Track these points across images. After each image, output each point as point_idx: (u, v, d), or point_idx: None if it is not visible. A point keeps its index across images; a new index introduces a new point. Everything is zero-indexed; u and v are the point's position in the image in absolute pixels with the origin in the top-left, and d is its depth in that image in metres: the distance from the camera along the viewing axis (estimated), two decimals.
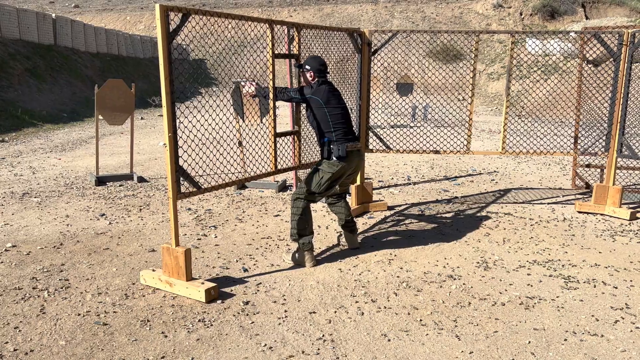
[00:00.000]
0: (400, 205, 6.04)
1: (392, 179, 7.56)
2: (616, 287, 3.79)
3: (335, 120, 4.08)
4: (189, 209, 5.75)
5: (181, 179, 3.58)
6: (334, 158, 4.06)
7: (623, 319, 3.33)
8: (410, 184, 7.22)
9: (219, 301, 3.50)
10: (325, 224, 5.27)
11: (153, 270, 3.79)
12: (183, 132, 3.42)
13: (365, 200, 5.77)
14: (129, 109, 7.03)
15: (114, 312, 3.34)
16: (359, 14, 29.35)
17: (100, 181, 6.96)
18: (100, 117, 6.96)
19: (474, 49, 5.58)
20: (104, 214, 5.51)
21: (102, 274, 3.94)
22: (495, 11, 26.94)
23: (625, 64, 5.37)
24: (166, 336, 3.05)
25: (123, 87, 6.98)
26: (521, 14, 25.86)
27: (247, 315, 3.33)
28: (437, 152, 5.76)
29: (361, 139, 5.64)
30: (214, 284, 3.57)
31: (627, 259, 4.35)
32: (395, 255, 4.42)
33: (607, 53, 5.54)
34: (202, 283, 3.58)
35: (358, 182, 5.71)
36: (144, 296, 3.57)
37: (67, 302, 3.48)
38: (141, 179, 7.17)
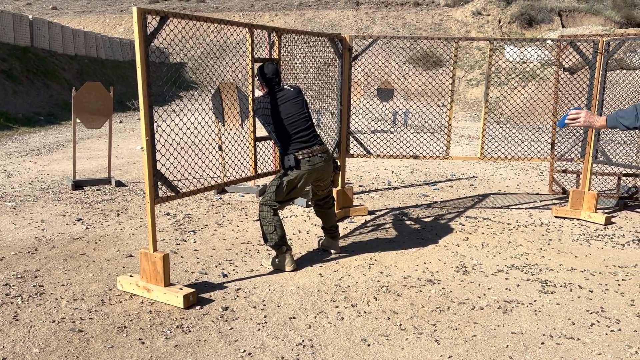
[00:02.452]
0: (380, 210, 6.06)
1: (373, 183, 7.59)
2: (592, 291, 3.85)
3: (284, 131, 4.02)
4: (168, 213, 5.69)
5: (159, 183, 3.54)
6: (284, 168, 4.06)
7: (598, 322, 3.38)
8: (390, 188, 7.25)
9: (197, 307, 3.46)
10: (306, 228, 5.26)
11: (130, 276, 3.73)
12: (161, 135, 3.38)
13: (346, 204, 5.77)
14: (107, 112, 6.93)
15: (90, 318, 3.28)
16: (340, 19, 29.48)
17: (77, 185, 6.85)
18: (77, 120, 6.86)
19: (453, 55, 5.64)
20: (80, 219, 5.42)
21: (78, 280, 3.87)
22: (474, 18, 27.31)
23: (600, 72, 5.48)
24: (143, 343, 3.00)
25: (101, 90, 6.88)
26: (500, 22, 26.27)
27: (226, 321, 3.29)
28: (416, 157, 5.80)
29: (342, 144, 5.65)
30: (192, 290, 3.53)
31: (602, 263, 4.43)
32: (375, 260, 4.42)
33: (582, 61, 5.65)
34: (181, 289, 3.54)
35: (339, 187, 5.72)
36: (121, 302, 3.52)
37: (41, 308, 3.40)
38: (119, 183, 7.07)
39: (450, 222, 5.57)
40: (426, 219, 5.66)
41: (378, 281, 3.99)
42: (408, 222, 5.55)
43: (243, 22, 4.15)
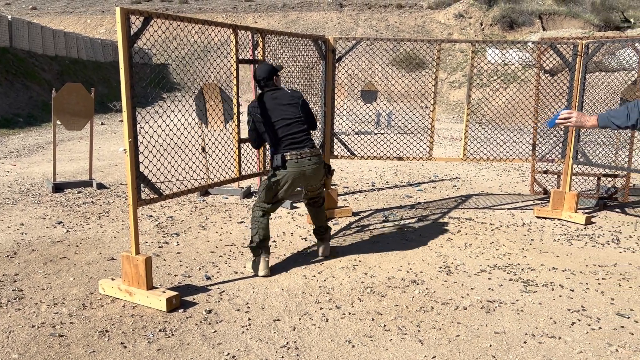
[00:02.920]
0: (364, 211, 6.07)
1: (357, 185, 7.60)
2: (573, 290, 3.90)
3: (275, 131, 4.04)
4: (150, 216, 5.63)
5: (142, 185, 3.50)
6: (272, 168, 4.09)
7: (579, 320, 3.42)
8: (374, 189, 7.28)
9: (180, 310, 3.43)
10: (290, 230, 5.25)
11: (112, 279, 3.68)
12: (144, 137, 3.35)
13: (330, 206, 5.77)
14: (88, 113, 6.85)
15: (71, 323, 3.23)
16: (324, 21, 29.53)
17: (58, 188, 6.75)
18: (58, 122, 6.76)
19: (435, 57, 5.69)
20: (61, 222, 5.34)
21: (59, 284, 3.81)
22: (456, 21, 27.56)
23: (580, 74, 5.57)
24: (125, 347, 2.96)
25: (82, 91, 6.80)
26: (481, 24, 26.54)
27: (210, 324, 3.27)
28: (400, 158, 5.83)
29: (326, 146, 5.65)
30: (175, 293, 3.49)
31: (583, 262, 4.49)
32: (359, 261, 4.43)
33: (562, 63, 5.74)
34: (164, 292, 3.50)
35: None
36: (102, 306, 3.47)
37: (20, 313, 3.34)
38: (101, 186, 6.99)
39: (434, 223, 5.60)
40: (410, 220, 5.69)
41: (362, 282, 3.99)
42: (392, 223, 5.57)
43: (227, 23, 4.13)
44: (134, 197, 3.41)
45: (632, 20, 25.29)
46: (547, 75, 6.51)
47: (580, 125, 2.98)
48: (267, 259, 4.06)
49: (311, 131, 4.31)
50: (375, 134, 8.84)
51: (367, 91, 14.21)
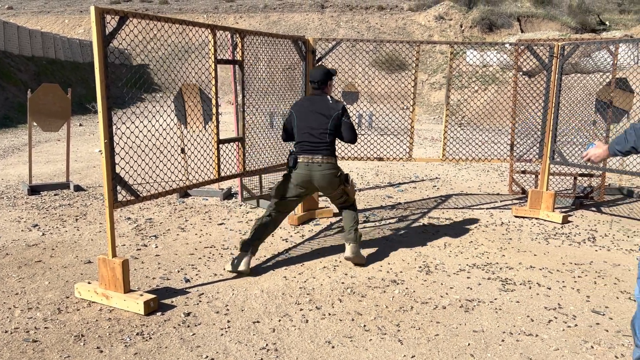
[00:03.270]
0: None
1: None
2: (550, 288, 3.96)
3: (298, 131, 4.24)
4: (129, 218, 5.56)
5: (118, 187, 3.45)
6: (287, 167, 4.29)
7: (556, 318, 3.47)
8: (355, 190, 7.29)
9: (158, 313, 3.39)
10: None
11: (89, 283, 3.63)
12: (120, 138, 3.30)
13: (311, 207, 5.77)
14: (65, 114, 6.74)
15: (45, 327, 3.17)
16: (305, 22, 29.52)
17: (34, 190, 6.62)
18: (34, 123, 6.64)
19: (415, 58, 5.72)
20: (36, 225, 5.24)
21: (33, 288, 3.73)
22: (437, 23, 27.79)
23: (556, 75, 5.65)
24: (102, 351, 2.92)
25: (58, 92, 6.69)
26: (461, 26, 26.81)
27: (188, 326, 3.24)
28: (380, 159, 5.85)
29: None
30: (153, 296, 3.45)
31: (560, 260, 4.56)
32: (340, 262, 4.43)
33: (540, 65, 5.81)
34: (141, 295, 3.45)
35: None
36: (78, 310, 3.41)
37: None
38: (78, 188, 6.88)
39: (414, 223, 5.63)
40: (390, 220, 5.71)
41: (343, 283, 3.99)
42: (372, 223, 5.59)
43: (205, 23, 4.10)
44: (110, 199, 3.36)
45: (607, 23, 25.80)
46: (525, 76, 6.59)
47: (598, 157, 2.97)
48: (249, 258, 4.07)
49: (348, 143, 4.41)
50: (357, 135, 8.89)
51: (348, 92, 14.24)
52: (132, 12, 3.44)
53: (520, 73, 6.44)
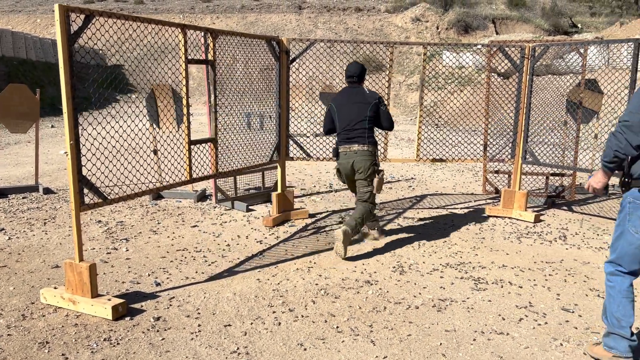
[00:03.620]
0: (321, 213, 6.05)
1: (315, 186, 7.59)
2: (521, 287, 3.99)
3: (340, 124, 4.66)
4: (100, 221, 5.45)
5: (85, 189, 3.37)
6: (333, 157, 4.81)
7: (527, 316, 3.50)
8: (332, 191, 7.28)
9: (127, 318, 3.32)
10: (246, 233, 5.18)
11: (55, 288, 3.53)
12: (87, 139, 3.23)
13: (287, 208, 5.73)
14: (34, 116, 6.58)
15: (9, 335, 3.07)
16: (283, 23, 29.45)
17: (1, 193, 6.45)
18: (1, 124, 6.46)
19: (389, 59, 5.73)
20: (2, 229, 5.10)
21: None
22: (413, 25, 28.00)
23: (527, 76, 5.72)
24: (67, 358, 2.84)
25: (26, 92, 6.52)
26: (438, 28, 27.06)
27: (158, 331, 3.17)
28: None
29: (282, 147, 5.61)
30: (122, 300, 3.38)
31: (531, 259, 4.61)
32: (314, 263, 4.41)
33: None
34: (109, 299, 3.38)
35: (279, 190, 5.68)
36: (43, 316, 3.32)
37: None
38: (48, 191, 6.72)
39: (389, 223, 5.64)
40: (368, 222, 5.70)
41: (317, 284, 3.97)
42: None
43: (175, 22, 4.04)
44: (77, 201, 3.28)
45: (579, 25, 26.32)
46: (500, 77, 6.66)
47: (598, 183, 2.93)
48: (378, 226, 5.01)
49: (386, 130, 4.91)
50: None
51: (326, 93, 14.25)
52: (98, 10, 3.37)
53: (496, 74, 6.51)
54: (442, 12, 27.63)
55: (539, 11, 28.65)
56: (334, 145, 4.73)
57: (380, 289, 3.91)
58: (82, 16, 3.31)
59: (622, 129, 2.68)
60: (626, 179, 2.74)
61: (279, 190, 5.68)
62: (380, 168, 4.73)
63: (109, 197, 3.55)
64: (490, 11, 28.12)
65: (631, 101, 2.72)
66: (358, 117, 4.57)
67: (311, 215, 5.90)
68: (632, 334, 2.85)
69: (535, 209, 6.23)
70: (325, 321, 3.38)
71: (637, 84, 5.43)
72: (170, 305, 3.53)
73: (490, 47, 6.02)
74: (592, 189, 2.96)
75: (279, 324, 3.33)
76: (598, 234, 5.35)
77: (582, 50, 5.99)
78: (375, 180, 4.60)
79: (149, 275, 4.05)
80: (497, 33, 25.66)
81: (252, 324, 3.32)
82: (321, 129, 5.42)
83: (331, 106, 4.73)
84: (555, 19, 26.52)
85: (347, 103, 4.62)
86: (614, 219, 5.91)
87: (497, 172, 6.74)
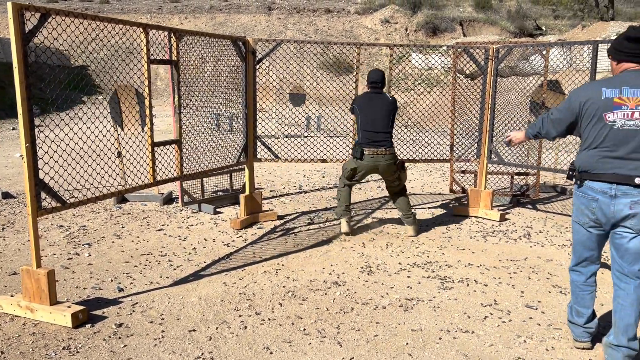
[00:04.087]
0: (290, 214, 6.02)
1: (284, 188, 7.55)
2: (486, 285, 4.04)
3: (363, 127, 4.94)
4: (61, 226, 5.29)
5: (43, 193, 3.26)
6: (353, 156, 5.03)
7: (491, 314, 3.54)
8: (301, 192, 7.25)
9: (88, 325, 3.23)
10: (212, 236, 5.11)
11: (11, 296, 3.41)
12: (49, 142, 3.12)
13: (255, 210, 5.68)
14: None
15: None
16: (252, 24, 29.29)
17: None
18: None
19: (356, 60, 5.75)
20: None
21: None
22: (383, 26, 28.22)
23: (492, 77, 5.81)
24: None
25: None
26: (406, 30, 27.33)
27: (120, 338, 3.09)
28: (324, 160, 5.84)
29: (249, 148, 5.56)
30: (82, 307, 3.28)
31: (497, 257, 4.67)
32: (282, 265, 4.38)
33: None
34: (69, 306, 3.28)
35: (247, 192, 5.62)
36: None
37: None
38: (7, 195, 6.49)
39: (358, 224, 5.65)
40: (335, 222, 5.70)
41: (284, 286, 3.94)
42: (317, 225, 5.56)
43: (137, 22, 3.96)
44: (33, 206, 3.17)
45: (543, 28, 26.97)
46: (467, 79, 6.74)
47: (518, 140, 3.56)
48: (348, 220, 5.14)
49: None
50: (305, 137, 8.88)
51: (295, 94, 14.20)
52: (54, 9, 3.27)
53: (463, 76, 6.59)
54: (410, 14, 27.93)
55: (504, 14, 29.23)
56: (356, 146, 4.96)
57: (348, 290, 3.90)
58: (38, 15, 3.21)
59: (548, 120, 3.10)
60: (571, 172, 2.96)
61: (247, 192, 5.63)
62: (401, 160, 5.16)
63: (68, 201, 3.45)
64: (457, 13, 28.56)
65: (564, 99, 3.03)
66: (382, 122, 4.93)
67: (280, 217, 5.87)
68: (589, 321, 3.04)
69: (501, 208, 6.33)
70: (293, 324, 3.35)
71: None
72: (133, 311, 3.45)
73: (455, 49, 6.10)
74: (510, 140, 3.58)
75: (245, 327, 3.28)
76: (561, 232, 5.47)
77: (544, 52, 6.12)
78: (402, 173, 5.14)
79: (111, 280, 3.95)
80: (464, 35, 26.07)
81: (217, 328, 3.26)
82: (291, 131, 5.53)
83: (354, 108, 5.06)
84: (520, 21, 27.10)
85: (372, 107, 4.95)
86: None
87: (463, 172, 6.83)
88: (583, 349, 3.07)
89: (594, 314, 3.06)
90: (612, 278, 2.87)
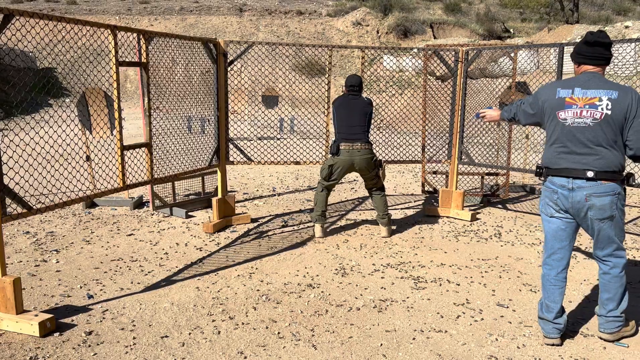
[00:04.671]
0: (264, 217, 5.99)
1: (258, 190, 7.51)
2: (459, 284, 4.10)
3: (339, 124, 5.07)
4: (28, 232, 5.15)
5: (7, 199, 3.17)
6: (330, 153, 5.12)
7: (464, 313, 3.59)
8: (275, 195, 7.23)
9: (56, 334, 3.15)
10: (184, 240, 5.05)
11: None
12: (8, 147, 3.04)
13: (228, 213, 5.63)
14: None
15: None
16: (224, 25, 29.09)
17: None
18: None
19: (328, 62, 5.76)
20: None
21: None
22: (354, 28, 28.38)
23: (461, 79, 5.90)
24: None
25: None
26: (378, 32, 27.55)
27: (90, 346, 3.02)
28: (297, 163, 5.83)
29: (221, 151, 5.51)
30: (50, 315, 3.20)
31: (468, 257, 4.74)
32: (256, 269, 4.35)
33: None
34: (36, 315, 3.19)
35: (220, 195, 5.57)
36: None
37: None
38: None
39: (332, 226, 5.65)
40: (309, 224, 5.69)
41: (258, 290, 3.91)
42: (291, 228, 5.55)
43: (105, 24, 3.88)
44: None
45: (511, 30, 27.53)
46: (438, 80, 6.83)
47: (491, 118, 3.81)
48: (322, 225, 5.19)
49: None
50: (278, 139, 8.87)
51: (268, 96, 14.15)
52: (18, 10, 3.18)
53: (434, 78, 6.67)
54: (381, 17, 28.17)
55: (474, 16, 29.74)
56: (334, 144, 5.05)
57: (322, 292, 3.90)
58: (1, 16, 3.12)
59: (520, 109, 3.35)
60: (538, 169, 3.18)
61: (220, 195, 5.58)
62: (379, 159, 5.24)
63: (35, 207, 3.36)
64: (428, 16, 28.93)
65: (534, 92, 3.30)
66: (358, 119, 5.06)
67: (253, 220, 5.83)
68: (557, 317, 3.14)
69: (472, 208, 6.43)
70: (267, 327, 3.33)
71: None
72: (104, 318, 3.38)
73: (426, 51, 6.17)
74: (484, 116, 3.82)
75: (219, 332, 3.25)
76: (530, 231, 5.58)
77: (512, 55, 6.25)
78: (381, 172, 5.20)
79: (80, 287, 3.86)
80: (434, 37, 26.41)
81: (190, 334, 3.22)
82: (264, 133, 5.55)
83: (333, 110, 5.19)
84: (489, 24, 27.60)
85: (348, 107, 5.08)
86: None
87: (435, 172, 6.91)
88: (553, 345, 3.15)
89: (562, 310, 3.16)
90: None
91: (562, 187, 2.99)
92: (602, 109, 2.90)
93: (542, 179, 3.14)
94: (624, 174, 2.98)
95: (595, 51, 2.99)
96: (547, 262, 3.18)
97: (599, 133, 2.90)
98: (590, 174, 2.90)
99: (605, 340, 3.19)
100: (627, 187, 3.09)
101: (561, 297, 3.13)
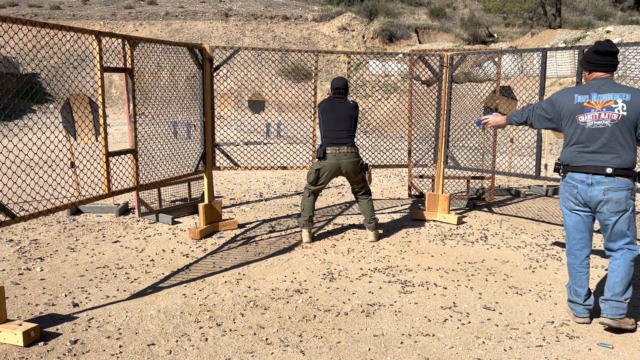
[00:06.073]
0: (251, 223, 5.98)
1: (244, 196, 7.49)
2: (446, 288, 4.12)
3: (325, 128, 5.08)
4: (11, 240, 5.08)
5: None
6: (316, 158, 5.11)
7: (451, 317, 3.61)
8: (262, 200, 7.21)
9: (41, 343, 3.10)
10: (171, 247, 5.01)
11: None
12: (0, 152, 2.99)
13: (214, 219, 5.61)
14: None
15: None
16: (209, 30, 29.03)
17: None
18: None
19: (314, 67, 5.78)
20: None
21: None
22: (340, 33, 28.49)
23: (447, 83, 5.95)
24: None
25: None
26: (363, 37, 27.69)
27: (75, 355, 2.99)
28: (284, 168, 5.83)
29: (207, 156, 5.49)
30: (34, 324, 3.16)
31: (455, 260, 4.77)
32: (243, 274, 4.33)
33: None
34: (20, 324, 3.15)
35: (206, 201, 5.54)
36: None
37: None
38: None
39: (319, 230, 5.66)
40: (296, 229, 5.69)
41: (245, 296, 3.90)
42: (278, 233, 5.54)
43: (89, 29, 3.86)
44: None
45: (495, 35, 27.84)
46: (423, 85, 6.87)
47: (496, 124, 4.07)
48: (309, 231, 5.19)
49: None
50: (265, 144, 8.85)
51: (255, 101, 14.15)
52: (0, 15, 3.15)
53: (419, 82, 6.71)
54: (367, 22, 28.32)
55: (458, 21, 30.03)
56: (320, 147, 5.07)
57: (310, 297, 3.90)
58: None
59: (534, 114, 3.61)
60: (557, 166, 3.50)
61: (206, 201, 5.55)
62: (365, 162, 5.26)
63: (18, 214, 3.32)
64: (413, 21, 29.15)
65: (546, 100, 3.55)
66: (345, 123, 5.09)
67: (240, 226, 5.81)
68: (586, 299, 3.47)
69: (458, 212, 6.47)
70: (254, 334, 3.32)
71: (546, 90, 5.80)
72: (89, 326, 3.34)
73: (411, 56, 6.22)
74: (487, 122, 4.07)
75: (206, 339, 3.23)
76: (516, 234, 5.64)
77: (496, 59, 6.32)
78: (367, 175, 5.22)
79: (65, 295, 3.81)
80: (420, 42, 26.62)
81: (177, 341, 3.20)
82: (250, 138, 5.49)
83: (318, 112, 5.20)
84: (473, 29, 27.88)
85: (334, 111, 5.09)
86: (531, 219, 6.26)
87: (421, 176, 6.95)
88: (584, 323, 3.46)
89: (590, 292, 3.50)
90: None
91: (582, 182, 3.31)
92: (618, 110, 3.22)
93: (561, 174, 3.45)
94: (637, 171, 3.28)
95: (605, 59, 3.31)
96: (570, 252, 3.50)
97: (617, 133, 3.22)
98: (609, 170, 3.22)
99: (608, 326, 3.35)
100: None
101: (587, 281, 3.46)
